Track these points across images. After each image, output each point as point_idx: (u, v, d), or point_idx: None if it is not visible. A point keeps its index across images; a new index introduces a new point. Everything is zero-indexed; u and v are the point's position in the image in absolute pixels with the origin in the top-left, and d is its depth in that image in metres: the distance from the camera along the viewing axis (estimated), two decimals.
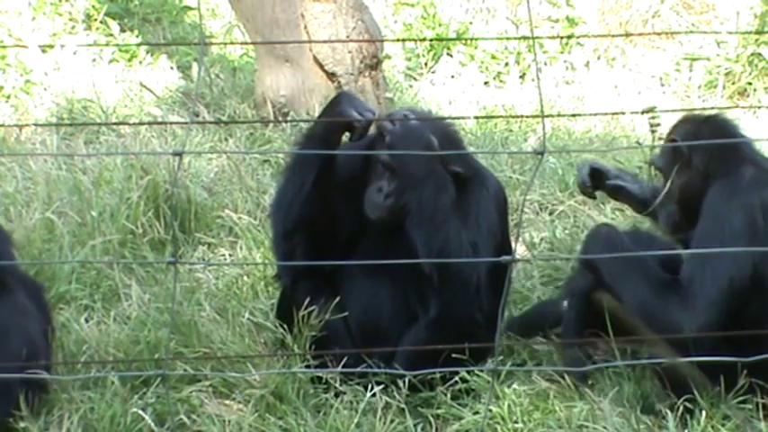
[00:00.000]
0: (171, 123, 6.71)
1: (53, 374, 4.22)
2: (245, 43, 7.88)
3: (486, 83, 8.10)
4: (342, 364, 4.24)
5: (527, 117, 7.29)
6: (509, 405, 4.11)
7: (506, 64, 8.21)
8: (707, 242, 4.17)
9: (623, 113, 7.19)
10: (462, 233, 4.25)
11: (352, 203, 4.39)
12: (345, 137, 4.38)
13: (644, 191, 4.59)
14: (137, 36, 8.59)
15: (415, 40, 8.51)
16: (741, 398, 4.13)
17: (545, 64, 8.25)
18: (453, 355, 4.08)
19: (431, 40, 8.48)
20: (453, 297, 4.23)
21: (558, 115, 7.20)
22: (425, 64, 8.26)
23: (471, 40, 8.43)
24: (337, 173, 4.40)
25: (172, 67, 7.94)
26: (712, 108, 7.55)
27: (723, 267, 4.09)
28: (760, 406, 4.15)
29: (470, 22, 8.87)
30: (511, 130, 7.03)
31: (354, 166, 4.41)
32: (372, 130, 4.39)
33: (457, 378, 4.21)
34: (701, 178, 4.34)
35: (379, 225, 4.36)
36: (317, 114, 6.74)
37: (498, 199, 4.46)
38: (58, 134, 6.60)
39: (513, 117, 7.14)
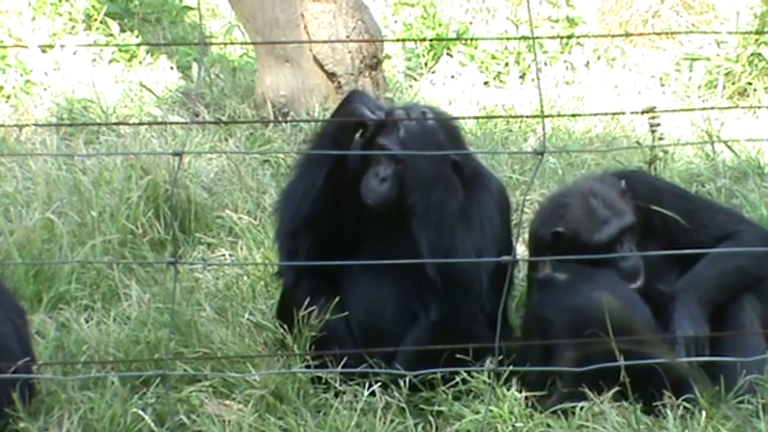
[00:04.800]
0: (171, 123, 6.71)
1: (54, 375, 4.22)
2: (245, 43, 7.88)
3: (486, 83, 8.10)
4: (342, 364, 4.24)
5: (527, 117, 7.29)
6: (509, 405, 4.11)
7: (506, 64, 8.22)
8: None
9: (623, 113, 7.19)
10: (468, 240, 4.24)
11: (355, 199, 4.38)
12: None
13: None
14: (137, 36, 8.60)
15: (415, 40, 8.51)
16: (741, 398, 4.14)
17: (545, 64, 8.25)
18: (458, 356, 4.07)
19: (431, 40, 8.48)
20: (455, 301, 4.23)
21: (558, 115, 7.20)
22: (425, 64, 8.26)
23: (471, 40, 8.43)
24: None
25: (172, 67, 7.94)
26: (712, 108, 7.55)
27: None
28: (760, 406, 4.16)
29: (470, 22, 8.88)
30: (511, 130, 7.03)
31: (356, 159, 4.41)
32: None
33: (458, 379, 4.21)
34: None
35: (377, 212, 4.34)
36: (317, 114, 6.76)
37: (501, 202, 4.46)
38: (57, 134, 6.60)
39: (513, 117, 7.14)
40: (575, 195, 4.46)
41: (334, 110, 4.71)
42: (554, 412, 4.13)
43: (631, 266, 4.36)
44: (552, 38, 8.46)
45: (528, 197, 5.80)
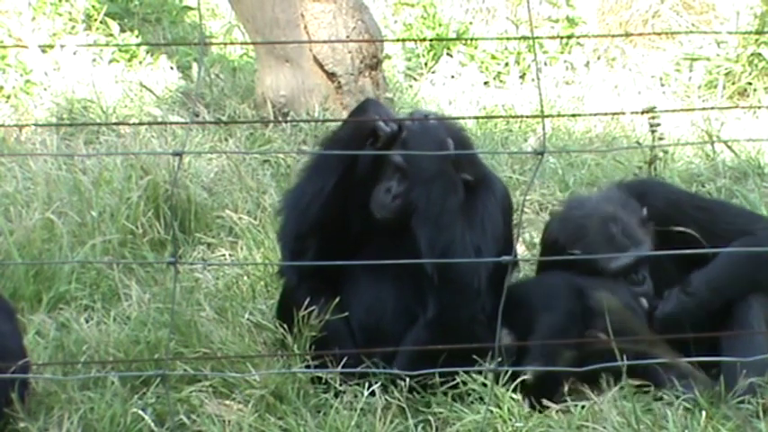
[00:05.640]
0: (171, 123, 6.71)
1: (54, 375, 4.22)
2: (245, 43, 7.89)
3: (486, 83, 8.10)
4: (342, 364, 4.24)
5: (527, 117, 7.29)
6: (509, 405, 4.11)
7: (506, 64, 8.22)
8: None
9: (623, 113, 7.19)
10: (467, 236, 4.24)
11: (362, 204, 4.38)
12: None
13: None
14: (137, 36, 8.60)
15: (415, 40, 8.52)
16: (741, 398, 4.14)
17: (545, 64, 8.25)
18: (458, 355, 4.08)
19: (431, 40, 8.48)
20: (453, 299, 4.23)
21: (558, 115, 7.20)
22: (425, 64, 8.27)
23: (471, 40, 8.43)
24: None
25: (172, 67, 7.94)
26: (712, 108, 7.55)
27: None
28: (760, 407, 4.15)
29: (470, 22, 8.88)
30: (511, 130, 7.04)
31: (365, 165, 4.41)
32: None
33: (459, 380, 4.20)
34: None
35: (384, 224, 4.36)
36: (317, 114, 6.76)
37: (504, 204, 4.46)
38: (57, 134, 6.60)
39: (513, 117, 7.14)
40: (594, 218, 4.45)
41: (348, 115, 4.71)
42: (554, 412, 4.13)
43: (641, 292, 4.37)
44: (552, 38, 8.46)
45: (528, 197, 5.80)
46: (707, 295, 4.32)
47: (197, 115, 6.96)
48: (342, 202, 4.36)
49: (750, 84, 8.12)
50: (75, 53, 7.82)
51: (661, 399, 4.19)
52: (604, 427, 4.02)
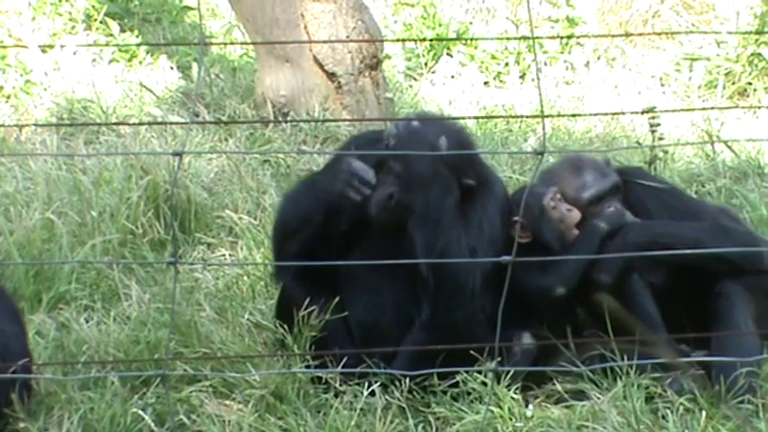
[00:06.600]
0: (171, 123, 6.71)
1: (54, 375, 4.22)
2: (245, 43, 7.89)
3: (486, 83, 8.11)
4: (342, 364, 4.24)
5: (527, 117, 7.30)
6: (509, 405, 4.11)
7: (506, 64, 8.22)
8: None
9: (623, 113, 7.19)
10: (463, 239, 4.24)
11: (359, 205, 4.38)
12: None
13: None
14: (137, 36, 8.60)
15: (415, 40, 8.52)
16: (741, 398, 4.14)
17: (545, 64, 8.26)
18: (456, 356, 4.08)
19: (431, 40, 8.49)
20: (448, 301, 4.23)
21: (558, 115, 7.21)
22: (425, 64, 8.27)
23: (471, 40, 8.44)
24: None
25: (172, 67, 7.95)
26: (712, 108, 7.55)
27: None
28: (760, 405, 4.16)
29: (470, 22, 8.89)
30: (511, 130, 7.04)
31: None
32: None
33: (458, 379, 4.21)
34: None
35: (381, 226, 4.36)
36: (317, 114, 6.75)
37: (504, 207, 4.45)
38: (57, 134, 6.60)
39: (513, 117, 7.14)
40: (561, 163, 4.62)
41: (320, 171, 4.66)
42: (553, 412, 4.13)
43: (612, 212, 4.40)
44: (552, 38, 8.47)
45: None
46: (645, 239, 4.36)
47: (197, 115, 6.96)
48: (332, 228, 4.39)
49: (750, 84, 8.12)
50: (75, 53, 7.82)
51: (661, 396, 4.19)
52: (604, 428, 4.02)
